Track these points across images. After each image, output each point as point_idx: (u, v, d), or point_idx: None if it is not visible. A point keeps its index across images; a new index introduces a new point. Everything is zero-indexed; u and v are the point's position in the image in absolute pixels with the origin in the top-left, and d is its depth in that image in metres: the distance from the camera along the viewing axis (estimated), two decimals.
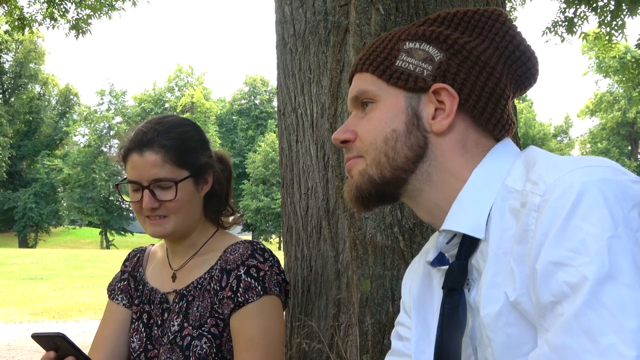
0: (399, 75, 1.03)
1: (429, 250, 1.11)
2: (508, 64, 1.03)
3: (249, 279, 1.60)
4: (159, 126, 1.63)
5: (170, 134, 1.62)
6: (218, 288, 1.63)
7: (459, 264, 0.98)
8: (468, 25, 1.04)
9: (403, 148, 1.01)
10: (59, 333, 1.41)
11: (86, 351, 1.73)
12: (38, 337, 1.45)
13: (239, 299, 1.59)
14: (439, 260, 1.06)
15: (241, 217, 1.89)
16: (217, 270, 1.64)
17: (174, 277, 1.73)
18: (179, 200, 1.61)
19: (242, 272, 1.60)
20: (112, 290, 1.84)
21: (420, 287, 1.13)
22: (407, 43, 1.04)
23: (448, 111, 1.00)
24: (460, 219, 0.98)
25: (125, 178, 1.65)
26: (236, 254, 1.64)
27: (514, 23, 1.05)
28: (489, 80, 1.01)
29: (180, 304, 1.67)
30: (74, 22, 8.13)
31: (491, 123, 1.03)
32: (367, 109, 1.06)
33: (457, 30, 1.04)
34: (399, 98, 1.03)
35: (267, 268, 1.63)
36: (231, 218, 1.85)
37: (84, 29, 8.21)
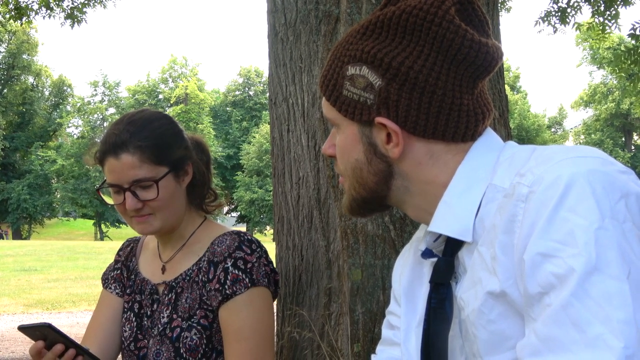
0: (347, 108, 1.02)
1: (420, 238, 1.12)
2: (453, 70, 0.97)
3: (237, 271, 1.60)
4: (130, 126, 1.61)
5: (144, 133, 1.60)
6: (206, 280, 1.63)
7: (446, 260, 1.00)
8: (405, 34, 0.98)
9: (369, 175, 1.04)
10: (45, 323, 1.40)
11: (79, 342, 1.74)
12: (25, 329, 1.44)
13: (227, 292, 1.59)
14: (429, 253, 1.06)
15: (235, 207, 1.89)
16: (205, 262, 1.65)
17: (163, 269, 1.74)
18: (161, 198, 1.60)
19: (229, 264, 1.60)
20: (105, 279, 1.86)
21: (410, 276, 1.14)
22: (349, 68, 1.02)
23: (395, 141, 0.99)
24: (447, 220, 0.98)
25: (105, 181, 1.64)
26: (223, 246, 1.64)
27: (452, 19, 0.96)
28: (433, 98, 0.96)
29: (170, 295, 1.68)
30: (69, 11, 8.04)
31: (449, 134, 0.99)
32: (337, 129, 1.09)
33: (394, 41, 0.99)
34: (353, 128, 1.04)
35: (255, 259, 1.63)
36: (225, 206, 1.85)
37: (79, 18, 8.11)
